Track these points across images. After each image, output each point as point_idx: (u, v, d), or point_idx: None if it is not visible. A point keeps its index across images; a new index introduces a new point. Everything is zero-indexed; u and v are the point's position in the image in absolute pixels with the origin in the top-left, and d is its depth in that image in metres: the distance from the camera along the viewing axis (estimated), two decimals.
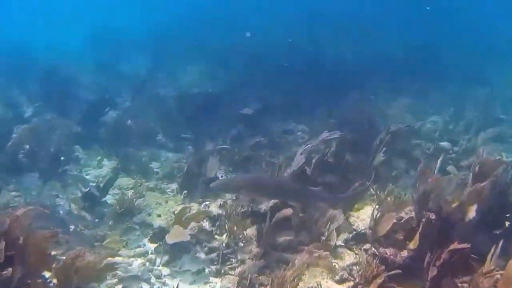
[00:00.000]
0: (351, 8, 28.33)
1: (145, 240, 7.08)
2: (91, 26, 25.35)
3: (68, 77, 15.36)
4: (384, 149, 8.77)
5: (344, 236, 6.75)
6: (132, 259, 6.61)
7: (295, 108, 13.14)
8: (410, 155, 9.65)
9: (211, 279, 6.09)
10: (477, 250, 4.76)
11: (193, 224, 7.11)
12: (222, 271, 6.21)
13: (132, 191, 8.68)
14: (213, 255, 6.53)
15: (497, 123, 12.72)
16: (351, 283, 5.67)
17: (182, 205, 7.98)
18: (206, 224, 7.29)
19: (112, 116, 12.55)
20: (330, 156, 8.15)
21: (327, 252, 6.03)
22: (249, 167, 9.65)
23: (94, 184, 8.75)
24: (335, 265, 6.01)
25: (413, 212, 5.73)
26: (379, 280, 5.05)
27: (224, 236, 6.94)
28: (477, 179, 5.56)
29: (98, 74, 17.73)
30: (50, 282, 4.82)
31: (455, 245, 4.69)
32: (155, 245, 6.85)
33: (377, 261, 5.41)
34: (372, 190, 7.88)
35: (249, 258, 6.38)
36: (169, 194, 8.90)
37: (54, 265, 4.82)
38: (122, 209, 7.73)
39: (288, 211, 6.55)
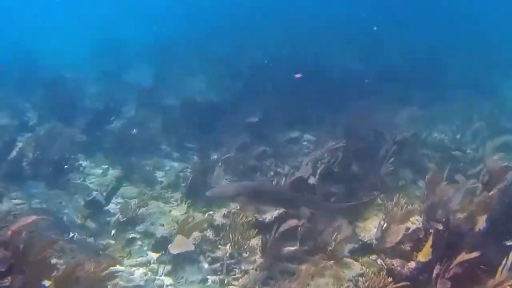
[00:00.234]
0: (358, 18, 28.37)
1: (148, 250, 7.00)
2: (97, 36, 25.52)
3: (73, 86, 15.41)
4: (391, 159, 8.67)
5: (350, 246, 6.63)
6: (134, 268, 6.54)
7: (301, 117, 13.08)
8: (417, 165, 9.55)
9: None
10: (486, 261, 4.66)
11: (196, 233, 7.03)
12: (226, 281, 6.13)
13: (136, 200, 8.61)
14: (217, 265, 6.45)
15: (504, 133, 12.63)
16: None
17: (186, 215, 7.90)
18: (209, 234, 7.21)
19: (116, 125, 12.56)
20: (336, 165, 8.08)
21: (332, 262, 5.94)
22: (254, 177, 9.57)
23: (98, 192, 8.69)
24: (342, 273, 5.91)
25: (421, 223, 5.63)
26: None
27: (228, 246, 6.84)
28: (485, 187, 5.46)
29: (103, 83, 17.76)
30: None
31: (463, 256, 4.60)
32: (158, 254, 6.78)
33: (384, 273, 5.31)
34: (379, 200, 7.76)
35: (253, 269, 6.29)
36: (173, 204, 8.81)
37: (54, 273, 4.74)
38: (125, 218, 7.69)
39: (293, 222, 6.48)
